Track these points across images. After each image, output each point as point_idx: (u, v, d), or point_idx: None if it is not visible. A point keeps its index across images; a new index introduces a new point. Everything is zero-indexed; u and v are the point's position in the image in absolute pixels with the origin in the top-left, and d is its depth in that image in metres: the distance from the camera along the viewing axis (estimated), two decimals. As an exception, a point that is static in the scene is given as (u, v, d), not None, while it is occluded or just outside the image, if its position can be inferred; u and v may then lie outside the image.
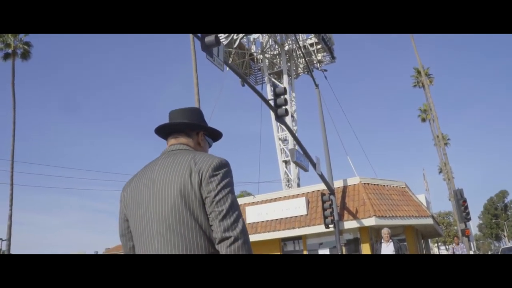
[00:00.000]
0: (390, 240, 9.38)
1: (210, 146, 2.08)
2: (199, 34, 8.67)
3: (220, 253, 1.62)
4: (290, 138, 25.90)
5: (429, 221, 18.84)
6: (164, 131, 1.98)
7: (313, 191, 18.76)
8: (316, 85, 18.39)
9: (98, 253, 62.97)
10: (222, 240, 1.62)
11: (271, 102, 12.13)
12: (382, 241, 9.61)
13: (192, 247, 1.64)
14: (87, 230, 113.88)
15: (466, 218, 19.30)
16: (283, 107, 11.73)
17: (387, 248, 9.30)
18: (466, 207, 19.36)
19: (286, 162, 26.92)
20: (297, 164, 14.67)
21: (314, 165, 15.19)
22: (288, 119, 27.74)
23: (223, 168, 1.72)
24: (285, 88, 11.96)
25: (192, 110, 2.01)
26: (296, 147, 15.67)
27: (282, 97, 11.83)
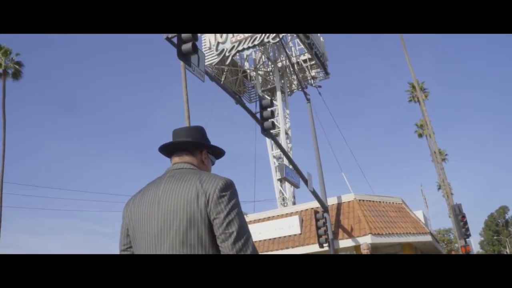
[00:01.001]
0: None
1: (213, 164, 2.11)
2: (175, 39, 8.16)
3: None
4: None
5: (428, 238, 18.19)
6: (168, 150, 2.00)
7: (307, 209, 18.12)
8: (308, 100, 17.94)
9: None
10: None
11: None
12: None
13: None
14: (81, 252, 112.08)
15: (465, 234, 18.66)
16: (270, 120, 11.26)
17: None
18: (466, 223, 18.74)
19: (280, 180, 26.28)
20: (286, 180, 14.11)
21: (305, 181, 14.61)
22: (282, 137, 27.35)
23: (229, 189, 1.74)
24: (271, 100, 11.51)
25: (195, 128, 2.05)
26: (286, 162, 15.10)
27: (268, 110, 11.38)
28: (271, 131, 11.99)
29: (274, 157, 27.07)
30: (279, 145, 13.52)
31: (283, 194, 26.30)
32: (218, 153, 2.12)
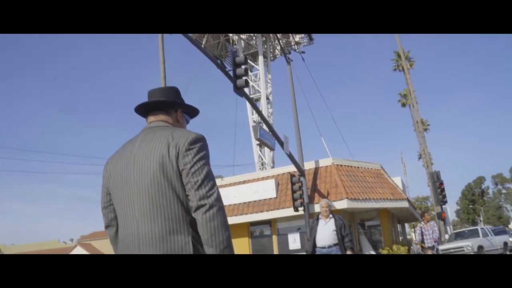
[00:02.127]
0: (331, 216, 7.23)
1: (187, 122, 2.18)
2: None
3: (197, 220, 1.71)
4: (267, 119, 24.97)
5: (405, 204, 18.20)
6: (143, 110, 2.07)
7: (284, 173, 17.88)
8: (288, 62, 17.41)
9: (73, 241, 61.69)
10: (198, 208, 1.71)
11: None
12: (320, 217, 7.35)
13: (170, 216, 1.73)
14: (61, 218, 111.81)
15: (442, 200, 18.73)
16: (243, 78, 10.77)
17: (326, 227, 7.15)
18: (443, 190, 18.78)
19: (260, 145, 25.97)
20: (261, 141, 13.72)
21: (281, 143, 14.26)
22: (263, 102, 26.89)
23: (199, 142, 1.82)
24: (245, 57, 10.98)
25: (170, 89, 2.11)
26: (263, 125, 14.69)
27: (242, 67, 10.87)
28: (250, 92, 11.50)
29: (254, 121, 26.64)
30: (251, 102, 13.09)
31: (262, 159, 26.06)
32: (192, 112, 2.19)
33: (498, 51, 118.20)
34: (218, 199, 1.75)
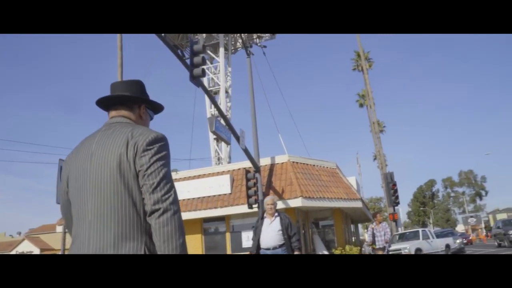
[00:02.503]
0: (276, 214, 6.66)
1: (151, 119, 2.09)
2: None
3: (151, 225, 1.64)
4: (225, 113, 24.46)
5: (358, 204, 18.24)
6: (105, 103, 1.98)
7: (239, 169, 17.47)
8: (248, 55, 16.98)
9: (21, 234, 59.00)
10: (152, 212, 1.63)
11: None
12: (265, 215, 6.74)
13: (124, 220, 1.65)
14: (8, 210, 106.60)
15: (395, 202, 18.91)
16: (200, 67, 10.26)
17: (271, 226, 6.56)
18: (396, 191, 18.96)
19: (217, 140, 25.45)
20: (216, 134, 13.23)
21: (237, 138, 13.83)
22: (222, 95, 26.37)
23: (158, 143, 1.73)
24: (204, 46, 10.46)
25: (134, 82, 2.01)
26: (220, 119, 14.19)
27: (200, 56, 10.37)
28: (209, 84, 11.00)
29: (212, 115, 26.08)
30: (208, 93, 12.56)
31: (218, 154, 25.57)
32: (156, 108, 2.10)
33: (456, 54, 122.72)
34: (174, 202, 1.66)
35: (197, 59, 10.34)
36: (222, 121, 14.19)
